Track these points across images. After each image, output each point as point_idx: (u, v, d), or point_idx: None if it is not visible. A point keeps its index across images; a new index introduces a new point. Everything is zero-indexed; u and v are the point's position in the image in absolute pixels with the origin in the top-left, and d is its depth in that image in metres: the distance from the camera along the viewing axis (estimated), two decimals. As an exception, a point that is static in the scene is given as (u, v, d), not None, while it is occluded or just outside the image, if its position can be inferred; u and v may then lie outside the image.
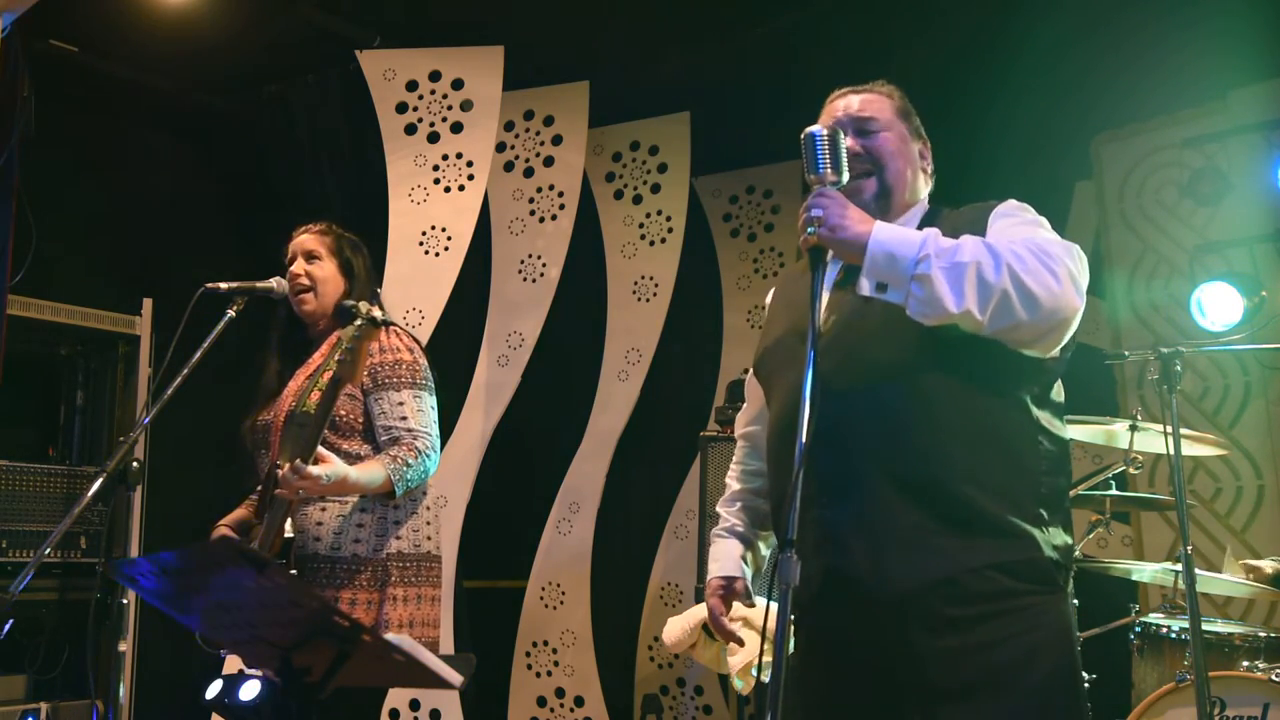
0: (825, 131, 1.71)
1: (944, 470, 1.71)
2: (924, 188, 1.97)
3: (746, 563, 2.08)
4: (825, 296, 1.87)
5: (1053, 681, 1.71)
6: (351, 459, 2.53)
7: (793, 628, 1.89)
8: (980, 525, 1.70)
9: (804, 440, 1.53)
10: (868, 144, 1.90)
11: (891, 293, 1.63)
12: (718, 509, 2.18)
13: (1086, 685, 3.38)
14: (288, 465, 2.30)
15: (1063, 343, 1.71)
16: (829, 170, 1.70)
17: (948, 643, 1.68)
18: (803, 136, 1.71)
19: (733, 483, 2.16)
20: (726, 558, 2.07)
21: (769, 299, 2.15)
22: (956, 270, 1.59)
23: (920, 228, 1.80)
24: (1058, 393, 1.83)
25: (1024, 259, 1.61)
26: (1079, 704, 1.75)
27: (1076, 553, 3.54)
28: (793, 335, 1.91)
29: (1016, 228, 1.77)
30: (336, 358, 2.33)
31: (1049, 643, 1.72)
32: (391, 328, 2.66)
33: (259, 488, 2.60)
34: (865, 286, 1.65)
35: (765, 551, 2.14)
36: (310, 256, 2.74)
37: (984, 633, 1.68)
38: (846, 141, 1.84)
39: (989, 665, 1.67)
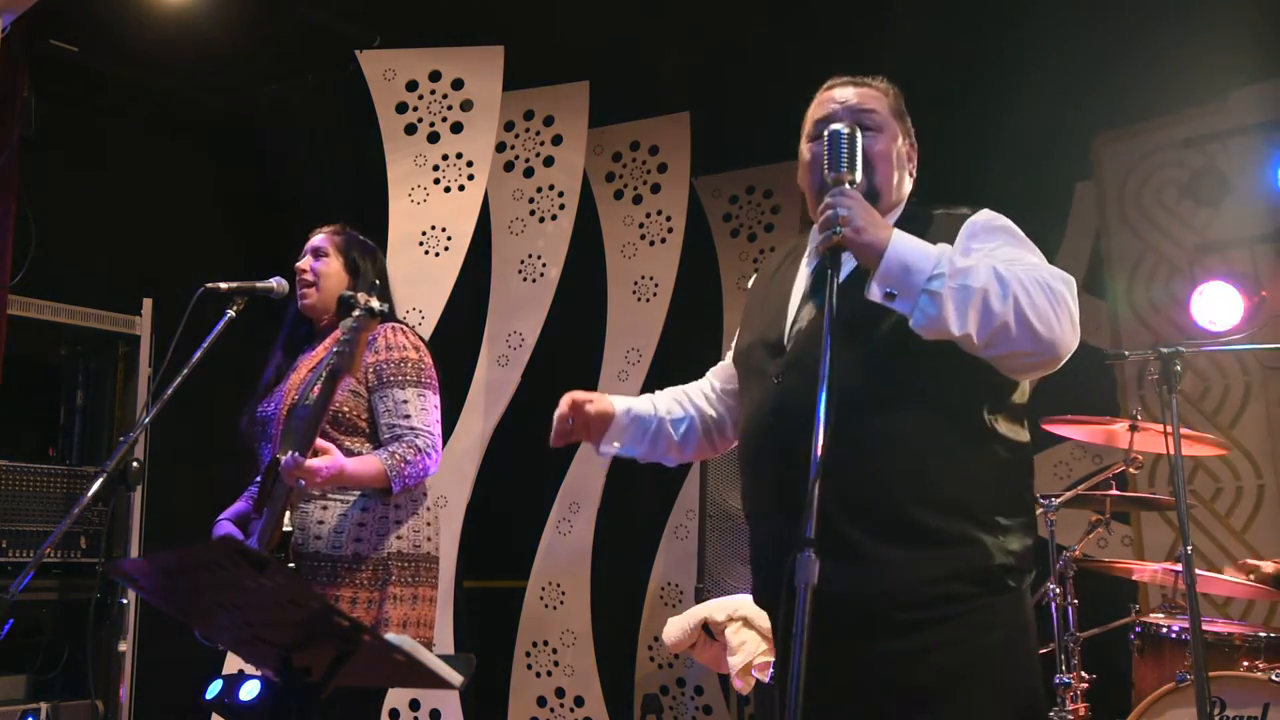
0: (848, 130, 1.73)
1: (891, 492, 1.72)
2: (906, 188, 1.97)
3: (627, 410, 2.06)
4: (796, 301, 1.89)
5: (1008, 682, 1.72)
6: (352, 456, 2.53)
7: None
8: (926, 541, 1.71)
9: (819, 452, 1.49)
10: (862, 144, 1.89)
11: (899, 303, 1.65)
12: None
13: (1069, 681, 3.41)
14: (286, 456, 2.30)
15: (1048, 373, 1.74)
16: (847, 169, 1.71)
17: (894, 645, 1.70)
18: (826, 133, 1.73)
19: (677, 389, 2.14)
20: (620, 397, 2.07)
21: (749, 285, 2.15)
22: (964, 294, 1.62)
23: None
24: (1020, 394, 1.83)
25: (1031, 293, 1.64)
26: (1035, 703, 1.75)
27: (1076, 552, 3.59)
28: (760, 346, 1.91)
29: (1007, 250, 1.77)
30: (334, 350, 2.33)
31: (1003, 643, 1.73)
32: (399, 326, 2.67)
33: (258, 479, 2.60)
34: (875, 293, 1.66)
35: (646, 440, 2.08)
36: (317, 253, 2.76)
37: (930, 637, 1.69)
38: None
39: (937, 668, 1.68)
